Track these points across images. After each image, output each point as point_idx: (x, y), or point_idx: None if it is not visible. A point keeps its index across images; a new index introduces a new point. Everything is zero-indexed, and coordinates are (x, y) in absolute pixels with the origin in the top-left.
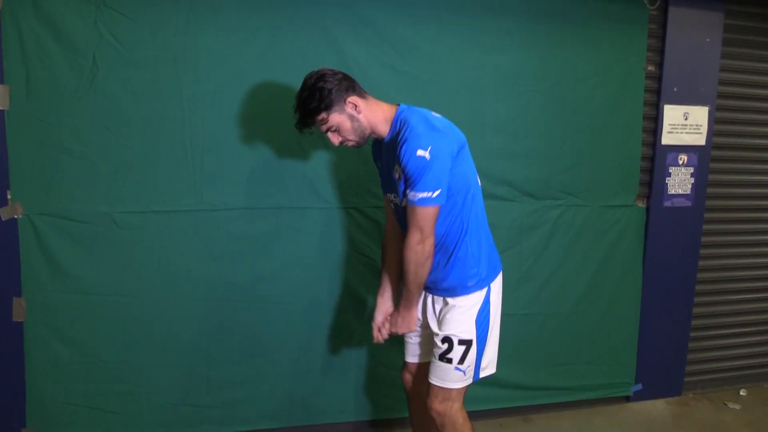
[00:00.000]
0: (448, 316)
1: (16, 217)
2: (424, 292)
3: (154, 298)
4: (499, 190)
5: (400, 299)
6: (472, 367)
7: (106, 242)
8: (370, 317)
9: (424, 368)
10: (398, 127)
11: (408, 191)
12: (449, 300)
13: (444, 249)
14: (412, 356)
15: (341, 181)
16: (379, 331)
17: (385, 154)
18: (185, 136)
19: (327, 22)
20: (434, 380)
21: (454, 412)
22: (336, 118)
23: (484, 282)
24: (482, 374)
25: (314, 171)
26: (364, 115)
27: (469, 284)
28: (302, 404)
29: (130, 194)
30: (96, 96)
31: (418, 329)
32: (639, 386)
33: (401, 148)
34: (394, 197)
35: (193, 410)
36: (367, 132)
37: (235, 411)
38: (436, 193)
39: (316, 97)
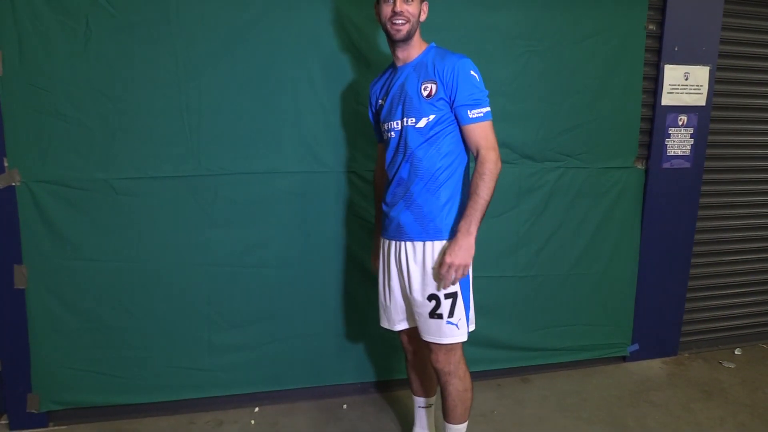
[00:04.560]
0: (429, 275)
1: (13, 184)
2: (395, 250)
3: (154, 264)
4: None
5: (460, 224)
6: (464, 319)
7: (105, 208)
8: (370, 280)
9: (417, 331)
10: (433, 53)
11: (469, 110)
12: (430, 248)
13: (452, 186)
14: (399, 323)
15: (339, 145)
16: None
17: (403, 77)
18: (181, 100)
19: None
20: (431, 338)
21: (456, 362)
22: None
23: None
24: (470, 328)
25: (312, 135)
26: (419, 25)
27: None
28: (302, 367)
29: (127, 160)
30: (90, 60)
31: (391, 300)
32: (635, 346)
33: (452, 64)
34: (410, 120)
35: (195, 374)
36: (412, 36)
37: (236, 374)
38: (490, 110)
39: None
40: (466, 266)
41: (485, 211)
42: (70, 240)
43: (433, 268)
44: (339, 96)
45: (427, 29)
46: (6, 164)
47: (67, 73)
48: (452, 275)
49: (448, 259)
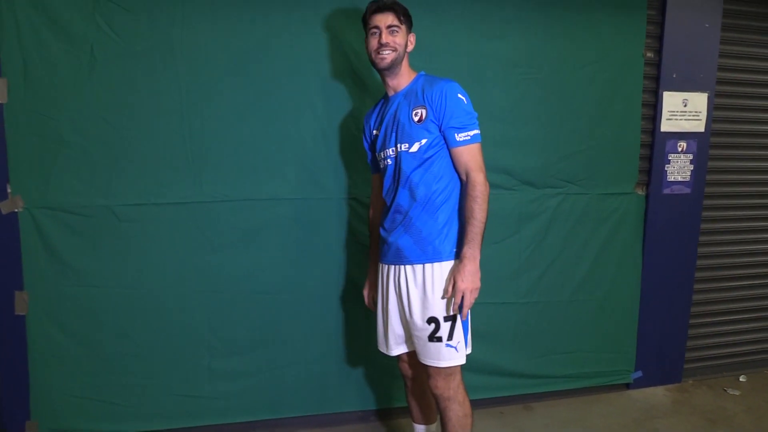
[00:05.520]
0: (429, 297)
1: (16, 210)
2: (395, 274)
3: (155, 290)
4: (498, 178)
5: (463, 250)
6: (462, 342)
7: (107, 235)
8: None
9: (415, 356)
10: (422, 80)
11: (457, 133)
12: (429, 270)
13: (450, 209)
14: (396, 348)
15: (340, 172)
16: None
17: (395, 106)
18: (183, 127)
19: (323, 12)
20: (430, 362)
21: (455, 387)
22: (404, 31)
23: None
24: (467, 350)
25: (314, 162)
26: (406, 56)
27: (456, 250)
28: (303, 394)
29: (130, 187)
30: (94, 88)
31: (388, 325)
32: (639, 373)
33: (439, 88)
34: (403, 146)
35: (195, 401)
36: (398, 65)
37: (236, 401)
38: (479, 132)
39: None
40: (478, 289)
41: (484, 233)
42: (71, 266)
43: (446, 298)
44: (340, 122)
45: (427, 57)
46: (9, 190)
47: (71, 101)
48: (468, 300)
49: (461, 286)
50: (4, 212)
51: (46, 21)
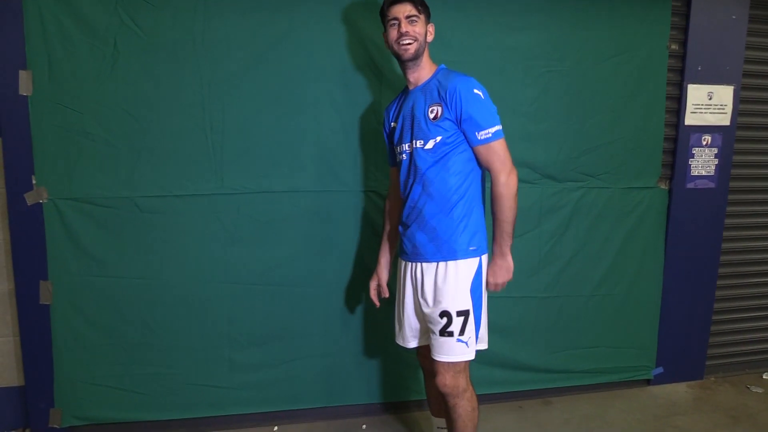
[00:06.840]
0: (443, 291)
1: (41, 201)
2: (411, 269)
3: (176, 281)
4: (519, 172)
5: (493, 248)
6: (473, 338)
7: (129, 226)
8: (390, 299)
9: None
10: (440, 75)
11: (477, 131)
12: (443, 267)
13: (465, 205)
14: (413, 341)
15: (359, 165)
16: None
17: (412, 101)
18: (205, 120)
19: (343, 5)
20: (440, 357)
21: (465, 384)
22: (423, 20)
23: (481, 250)
24: (478, 347)
25: (333, 155)
26: (427, 47)
27: (471, 248)
28: (322, 386)
29: (152, 178)
30: (117, 81)
31: (404, 318)
32: (660, 370)
33: (453, 86)
34: (419, 143)
35: (215, 391)
36: (420, 56)
37: (256, 392)
38: (500, 127)
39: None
40: (508, 280)
41: (513, 227)
42: (94, 257)
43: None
44: (360, 115)
45: (449, 50)
46: (34, 182)
47: (95, 93)
48: (500, 290)
49: (491, 280)
50: (29, 203)
51: (70, 15)
